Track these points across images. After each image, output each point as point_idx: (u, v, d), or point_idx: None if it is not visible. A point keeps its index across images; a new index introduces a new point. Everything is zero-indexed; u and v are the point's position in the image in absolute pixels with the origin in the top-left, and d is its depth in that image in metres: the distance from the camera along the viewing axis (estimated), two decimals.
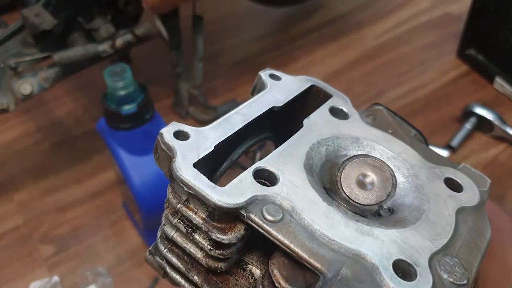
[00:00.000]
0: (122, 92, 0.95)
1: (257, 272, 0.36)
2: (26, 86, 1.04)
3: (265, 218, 0.33)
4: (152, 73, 1.54)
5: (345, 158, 0.40)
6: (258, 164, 0.36)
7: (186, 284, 0.37)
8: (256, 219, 0.32)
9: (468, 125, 1.33)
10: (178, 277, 0.37)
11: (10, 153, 1.35)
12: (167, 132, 0.37)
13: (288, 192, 0.35)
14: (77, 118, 1.44)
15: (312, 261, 0.32)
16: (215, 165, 0.40)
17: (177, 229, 0.35)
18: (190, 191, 0.33)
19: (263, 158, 0.50)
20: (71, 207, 1.22)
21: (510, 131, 1.31)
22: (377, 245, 0.33)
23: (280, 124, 0.45)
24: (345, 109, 0.45)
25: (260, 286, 0.34)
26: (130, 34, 1.13)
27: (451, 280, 0.33)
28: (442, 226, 0.36)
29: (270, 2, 1.66)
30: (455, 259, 0.34)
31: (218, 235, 0.33)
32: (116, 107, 0.97)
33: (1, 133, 1.40)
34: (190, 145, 0.36)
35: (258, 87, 0.45)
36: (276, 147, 0.47)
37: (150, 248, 0.39)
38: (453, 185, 0.40)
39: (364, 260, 0.32)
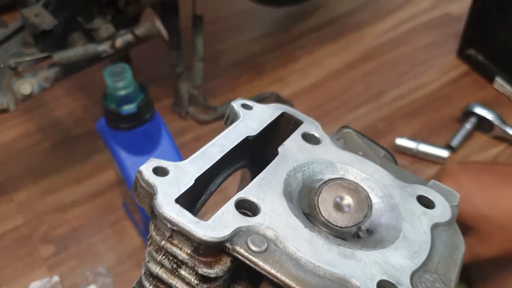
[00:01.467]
0: (122, 92, 0.95)
1: None
2: (26, 86, 1.04)
3: (250, 249, 0.33)
4: (152, 73, 1.54)
5: (321, 182, 0.41)
6: (239, 195, 0.37)
7: None
8: (242, 251, 0.33)
9: (468, 125, 1.34)
10: None
11: (10, 153, 1.35)
12: (146, 169, 0.36)
13: (270, 220, 0.36)
14: (77, 118, 1.44)
15: None
16: (195, 197, 0.41)
17: (162, 266, 0.35)
18: (174, 228, 0.33)
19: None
20: (71, 207, 1.22)
21: (510, 131, 1.31)
22: (360, 267, 0.34)
23: (255, 151, 0.47)
24: (316, 134, 0.46)
25: None
26: (130, 34, 1.13)
27: None
28: (419, 243, 0.38)
29: (270, 2, 1.66)
30: (434, 275, 0.36)
31: (205, 269, 0.33)
32: (116, 107, 0.97)
33: (1, 133, 1.40)
34: (170, 181, 0.36)
35: (231, 117, 0.46)
36: (252, 174, 0.48)
37: (135, 284, 0.39)
38: (426, 202, 0.41)
39: (350, 283, 0.33)
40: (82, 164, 1.30)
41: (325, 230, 0.38)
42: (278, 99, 1.45)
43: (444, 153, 1.27)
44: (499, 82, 1.47)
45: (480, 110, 1.33)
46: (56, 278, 1.07)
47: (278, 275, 0.32)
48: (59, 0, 1.06)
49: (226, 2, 1.84)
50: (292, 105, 1.42)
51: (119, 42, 1.12)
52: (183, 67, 1.34)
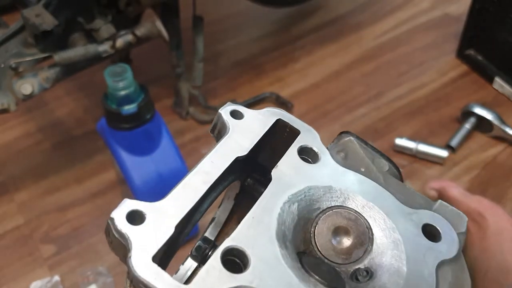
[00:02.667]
0: (122, 92, 0.96)
1: None
2: (26, 86, 1.04)
3: None
4: (152, 73, 1.54)
5: (319, 212, 0.38)
6: (226, 244, 0.33)
7: None
8: None
9: (467, 125, 1.34)
10: None
11: (11, 153, 1.35)
12: (118, 217, 0.32)
13: (261, 277, 0.32)
14: (78, 118, 1.44)
15: None
16: (176, 236, 0.36)
17: None
18: None
19: (205, 232, 0.47)
20: (71, 207, 1.22)
21: (509, 131, 1.31)
22: None
23: (245, 165, 0.42)
24: (315, 148, 0.41)
25: None
26: (130, 34, 1.14)
27: None
28: None
29: (270, 2, 1.66)
30: None
31: None
32: (117, 107, 0.97)
33: (2, 133, 1.41)
34: (146, 231, 0.32)
35: (219, 127, 0.42)
36: (242, 185, 0.44)
37: None
38: (431, 233, 0.38)
39: None
40: (83, 164, 1.31)
41: (321, 280, 0.34)
42: (278, 99, 1.45)
43: (443, 153, 1.28)
44: (499, 82, 1.47)
45: (479, 110, 1.33)
46: (56, 278, 1.07)
47: None
48: (60, 1, 1.06)
49: (226, 2, 1.84)
50: (292, 105, 1.42)
51: (119, 42, 1.13)
52: (183, 68, 1.34)
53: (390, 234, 0.37)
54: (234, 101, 1.43)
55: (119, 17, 1.18)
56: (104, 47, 1.11)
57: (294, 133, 0.42)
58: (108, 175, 1.27)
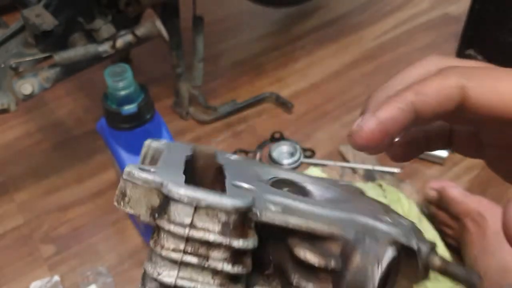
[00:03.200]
0: (122, 92, 0.96)
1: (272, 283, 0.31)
2: (26, 86, 1.04)
3: (273, 211, 0.29)
4: (152, 73, 1.54)
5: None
6: (231, 181, 0.32)
7: None
8: (269, 214, 0.29)
9: None
10: None
11: (11, 153, 1.35)
12: (133, 167, 0.31)
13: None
14: (78, 118, 1.44)
15: (334, 230, 0.28)
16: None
17: (180, 267, 0.28)
18: (199, 205, 0.28)
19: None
20: (72, 206, 1.22)
21: None
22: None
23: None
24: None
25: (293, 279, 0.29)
26: (130, 34, 1.14)
27: None
28: None
29: (270, 3, 1.67)
30: None
31: (242, 242, 0.28)
32: (117, 107, 0.97)
33: (2, 133, 1.41)
34: (164, 168, 0.31)
35: (151, 154, 0.41)
36: None
37: None
38: None
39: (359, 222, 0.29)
40: (83, 164, 1.31)
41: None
42: (278, 99, 1.45)
43: (443, 153, 1.28)
44: None
45: None
46: (56, 278, 1.07)
47: (308, 224, 0.28)
48: (60, 1, 1.06)
49: (226, 2, 1.84)
50: (292, 105, 1.42)
51: (119, 42, 1.13)
52: (183, 68, 1.34)
53: None
54: (235, 101, 1.43)
55: (119, 17, 1.18)
56: (104, 47, 1.11)
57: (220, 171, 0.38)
58: (108, 175, 1.27)
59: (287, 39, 1.70)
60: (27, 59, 1.03)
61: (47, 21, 1.00)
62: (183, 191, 0.28)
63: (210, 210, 0.27)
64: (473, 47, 1.54)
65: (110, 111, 0.98)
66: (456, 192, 1.02)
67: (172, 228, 0.28)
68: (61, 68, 1.08)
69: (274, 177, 0.37)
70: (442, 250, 1.02)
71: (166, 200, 0.28)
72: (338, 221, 0.28)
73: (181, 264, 0.28)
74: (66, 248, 1.14)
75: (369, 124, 0.29)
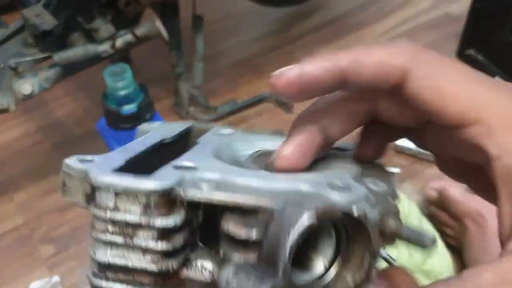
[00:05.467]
0: (122, 92, 0.96)
1: (207, 264, 0.32)
2: (26, 86, 1.04)
3: (202, 189, 0.30)
4: (152, 73, 1.54)
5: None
6: (174, 162, 0.33)
7: None
8: (195, 192, 0.30)
9: None
10: None
11: (10, 153, 1.35)
12: (71, 160, 0.33)
13: (210, 168, 0.32)
14: (78, 118, 1.44)
15: (260, 202, 0.28)
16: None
17: (112, 246, 0.31)
18: (118, 191, 0.29)
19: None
20: (71, 207, 1.22)
21: None
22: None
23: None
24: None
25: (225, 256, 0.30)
26: (130, 34, 1.13)
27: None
28: None
29: (270, 2, 1.66)
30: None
31: (161, 221, 0.29)
32: (116, 107, 0.97)
33: (1, 133, 1.40)
34: (101, 162, 0.33)
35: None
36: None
37: None
38: None
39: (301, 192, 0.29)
40: None
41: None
42: (278, 99, 1.45)
43: None
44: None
45: None
46: (56, 278, 1.07)
47: (236, 198, 0.29)
48: (60, 1, 1.06)
49: (226, 2, 1.84)
50: (292, 105, 1.42)
51: (119, 42, 1.12)
52: (183, 67, 1.34)
53: None
54: (235, 101, 1.43)
55: (119, 16, 1.18)
56: (104, 47, 1.11)
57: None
58: None
59: (287, 39, 1.70)
60: (27, 59, 1.03)
61: (46, 21, 1.00)
62: (100, 179, 0.30)
63: (130, 194, 0.29)
64: (474, 47, 1.54)
65: (109, 111, 0.98)
66: (456, 192, 1.02)
67: (98, 212, 0.31)
68: (60, 68, 1.08)
69: (258, 151, 0.38)
70: (442, 250, 1.02)
71: (93, 188, 0.31)
72: (269, 193, 0.28)
73: (112, 244, 0.31)
74: (66, 249, 1.14)
75: (289, 73, 0.30)
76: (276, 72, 0.31)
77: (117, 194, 0.30)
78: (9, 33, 1.04)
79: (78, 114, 1.45)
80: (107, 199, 0.30)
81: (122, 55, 1.42)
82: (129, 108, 0.97)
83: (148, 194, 0.29)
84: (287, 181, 0.30)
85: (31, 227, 1.18)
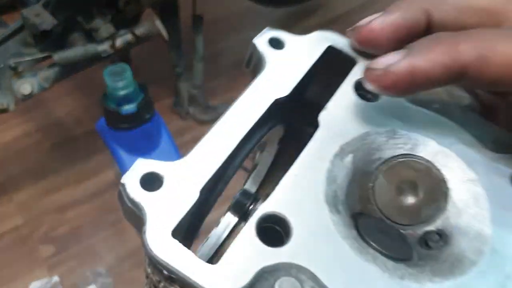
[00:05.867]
0: (122, 92, 0.95)
1: None
2: (26, 86, 1.04)
3: None
4: (152, 73, 1.54)
5: (379, 163, 0.30)
6: (262, 211, 0.27)
7: None
8: None
9: None
10: None
11: (10, 153, 1.35)
12: (131, 182, 0.27)
13: (307, 251, 0.26)
14: (77, 118, 1.44)
15: None
16: (204, 200, 0.30)
17: None
18: (172, 276, 0.25)
19: (245, 183, 0.38)
20: (71, 207, 1.22)
21: None
22: None
23: (289, 106, 0.34)
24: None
25: None
26: (130, 34, 1.13)
27: None
28: None
29: (270, 2, 1.66)
30: None
31: None
32: (116, 107, 0.97)
33: (1, 133, 1.40)
34: (165, 197, 0.26)
35: (254, 60, 0.35)
36: (287, 131, 0.36)
37: None
38: None
39: None
40: (82, 164, 1.30)
41: (382, 250, 0.27)
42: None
43: None
44: None
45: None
46: (56, 278, 1.07)
47: None
48: (59, 0, 1.06)
49: (226, 2, 1.84)
50: None
51: (119, 42, 1.12)
52: (183, 67, 1.33)
53: (470, 187, 0.29)
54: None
55: (119, 16, 1.18)
56: (104, 47, 1.11)
57: (350, 64, 0.33)
58: (107, 175, 1.27)
59: None
60: (27, 59, 1.03)
61: (46, 20, 1.00)
62: (156, 257, 0.25)
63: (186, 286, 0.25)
64: None
65: (109, 111, 0.98)
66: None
67: (149, 272, 0.27)
68: (60, 68, 1.08)
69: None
70: None
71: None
72: None
73: None
74: (66, 249, 1.14)
75: (398, 69, 0.26)
76: (377, 65, 0.27)
77: (171, 274, 0.25)
78: (9, 33, 1.03)
79: (78, 114, 1.45)
80: (160, 273, 0.26)
81: (122, 55, 1.41)
82: (129, 108, 0.97)
83: None
84: None
85: (31, 227, 1.18)
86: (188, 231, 0.28)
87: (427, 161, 0.30)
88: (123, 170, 1.02)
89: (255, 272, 0.24)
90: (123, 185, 0.27)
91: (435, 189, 0.29)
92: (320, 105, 0.31)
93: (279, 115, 0.34)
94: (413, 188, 0.29)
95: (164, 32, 1.16)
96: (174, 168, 0.28)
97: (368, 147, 0.30)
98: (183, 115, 1.41)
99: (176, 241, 0.25)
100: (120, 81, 0.94)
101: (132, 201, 0.26)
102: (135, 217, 0.27)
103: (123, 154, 1.02)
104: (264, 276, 0.24)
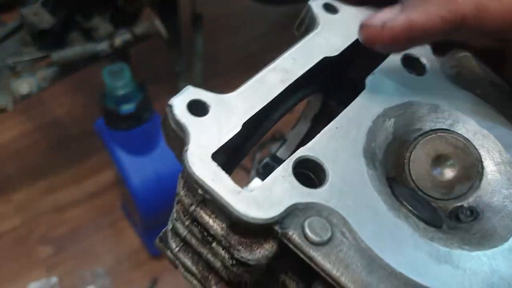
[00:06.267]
0: (121, 92, 0.95)
1: (291, 284, 0.28)
2: (24, 86, 1.03)
3: (307, 238, 0.24)
4: (151, 72, 1.53)
5: (419, 134, 0.30)
6: (300, 153, 0.27)
7: None
8: (296, 239, 0.24)
9: None
10: (194, 281, 0.29)
11: (8, 153, 1.34)
12: (179, 104, 0.27)
13: (340, 196, 0.26)
14: (76, 117, 1.43)
15: None
16: (240, 143, 0.30)
17: (191, 231, 0.27)
18: (206, 196, 0.25)
19: (277, 151, 0.38)
20: (69, 207, 1.21)
21: None
22: (457, 278, 0.25)
23: (333, 72, 0.34)
24: (423, 59, 0.33)
25: None
26: (129, 33, 1.13)
27: None
28: None
29: (271, 1, 1.66)
30: None
31: (243, 254, 0.25)
32: (115, 107, 0.96)
33: None
34: (209, 124, 0.27)
35: (307, 22, 0.35)
36: (326, 100, 0.36)
37: (161, 234, 0.31)
38: None
39: None
40: (81, 164, 1.30)
41: (415, 213, 0.28)
42: None
43: None
44: None
45: None
46: (54, 279, 1.06)
47: (342, 279, 0.24)
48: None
49: (226, 1, 1.83)
50: None
51: (118, 41, 1.12)
52: (182, 66, 1.33)
53: (505, 169, 0.30)
54: None
55: (117, 15, 1.17)
56: (102, 46, 1.10)
57: None
58: (106, 175, 1.26)
59: (287, 38, 1.68)
60: (25, 58, 1.02)
61: (45, 20, 0.99)
62: (194, 174, 0.25)
63: (218, 206, 0.25)
64: None
65: (108, 110, 0.97)
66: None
67: (183, 194, 0.26)
68: (58, 68, 1.07)
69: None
70: None
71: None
72: None
73: (190, 230, 0.27)
74: (64, 249, 1.13)
75: (395, 25, 0.26)
76: (374, 21, 0.27)
77: (206, 195, 0.25)
78: (7, 32, 1.03)
79: (77, 114, 1.44)
80: (195, 193, 0.26)
81: (121, 54, 1.41)
82: (127, 108, 0.96)
83: (238, 220, 0.24)
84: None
85: (29, 228, 1.17)
86: (225, 164, 0.28)
87: (466, 139, 0.30)
88: (122, 170, 1.02)
89: (287, 206, 0.24)
90: (170, 106, 0.27)
91: (470, 167, 0.29)
92: (357, 86, 0.32)
93: (322, 79, 0.34)
94: (449, 163, 0.30)
95: (163, 31, 1.16)
96: (221, 100, 0.29)
97: (410, 117, 0.31)
98: None
99: (215, 164, 0.25)
100: (119, 81, 0.94)
101: (178, 123, 0.27)
102: (177, 141, 0.27)
103: (122, 154, 1.01)
104: (295, 213, 0.25)
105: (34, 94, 1.06)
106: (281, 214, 0.24)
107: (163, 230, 0.31)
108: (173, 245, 0.29)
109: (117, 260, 1.11)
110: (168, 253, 0.30)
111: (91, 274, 1.07)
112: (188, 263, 0.28)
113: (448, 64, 0.34)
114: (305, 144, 0.28)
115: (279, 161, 0.36)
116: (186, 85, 0.30)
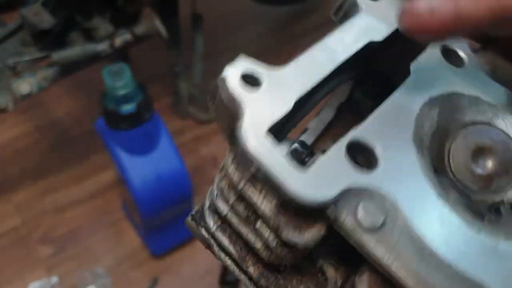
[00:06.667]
0: (121, 92, 0.95)
1: (330, 271, 0.27)
2: (24, 86, 1.03)
3: (360, 223, 0.24)
4: (151, 72, 1.53)
5: (460, 125, 0.30)
6: (353, 135, 0.26)
7: (237, 272, 0.29)
8: (348, 223, 0.24)
9: None
10: (228, 261, 0.29)
11: (8, 153, 1.34)
12: (233, 76, 0.27)
13: (391, 181, 0.25)
14: (76, 117, 1.43)
15: None
16: (284, 121, 0.29)
17: (233, 209, 0.27)
18: (258, 173, 0.24)
19: (299, 137, 0.37)
20: (70, 207, 1.21)
21: None
22: (504, 271, 0.25)
23: (372, 60, 0.34)
24: (460, 52, 0.33)
25: None
26: (129, 33, 1.13)
27: None
28: None
29: (271, 1, 1.66)
30: None
31: (291, 234, 0.24)
32: (115, 107, 0.96)
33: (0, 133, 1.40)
34: (262, 98, 0.26)
35: (346, 7, 0.35)
36: (359, 89, 0.36)
37: (194, 212, 0.30)
38: None
39: None
40: (81, 164, 1.30)
41: (463, 200, 0.28)
42: None
43: None
44: None
45: None
46: (55, 279, 1.06)
47: (393, 266, 0.23)
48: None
49: (226, 1, 1.83)
50: None
51: (118, 41, 1.12)
52: (182, 66, 1.33)
53: None
54: None
55: (118, 15, 1.17)
56: (103, 46, 1.10)
57: None
58: (106, 175, 1.26)
59: (287, 38, 1.69)
60: (25, 58, 1.02)
61: (45, 20, 0.99)
62: (251, 150, 0.24)
63: (271, 183, 0.24)
64: None
65: (108, 110, 0.97)
66: None
67: (231, 170, 0.26)
68: (59, 68, 1.07)
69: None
70: None
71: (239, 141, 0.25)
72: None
73: (233, 207, 0.27)
74: (64, 249, 1.13)
75: (443, 14, 0.25)
76: (420, 8, 0.25)
77: (258, 171, 0.24)
78: (7, 32, 1.03)
79: (77, 114, 1.44)
80: (246, 167, 0.25)
81: (121, 54, 1.41)
82: (128, 108, 0.96)
83: (291, 199, 0.23)
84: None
85: (29, 228, 1.17)
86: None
87: (506, 134, 0.30)
88: (122, 170, 1.02)
89: (342, 189, 0.24)
90: (222, 78, 0.27)
91: (510, 162, 0.29)
92: (388, 78, 0.32)
93: (360, 66, 0.33)
94: (489, 157, 0.29)
95: (163, 31, 1.16)
96: (272, 75, 0.29)
97: (453, 107, 0.30)
98: (182, 115, 1.41)
99: (271, 139, 0.24)
100: (119, 81, 0.94)
101: (230, 96, 0.26)
102: (226, 114, 0.26)
103: (122, 154, 1.01)
104: (349, 196, 0.24)
105: (34, 94, 1.06)
106: (336, 196, 0.24)
107: (197, 208, 0.30)
108: (211, 223, 0.28)
109: (117, 260, 1.11)
110: (203, 231, 0.29)
111: (91, 274, 1.07)
112: (226, 242, 0.28)
113: (482, 60, 0.34)
114: (330, 132, 0.29)
115: (306, 147, 0.36)
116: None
